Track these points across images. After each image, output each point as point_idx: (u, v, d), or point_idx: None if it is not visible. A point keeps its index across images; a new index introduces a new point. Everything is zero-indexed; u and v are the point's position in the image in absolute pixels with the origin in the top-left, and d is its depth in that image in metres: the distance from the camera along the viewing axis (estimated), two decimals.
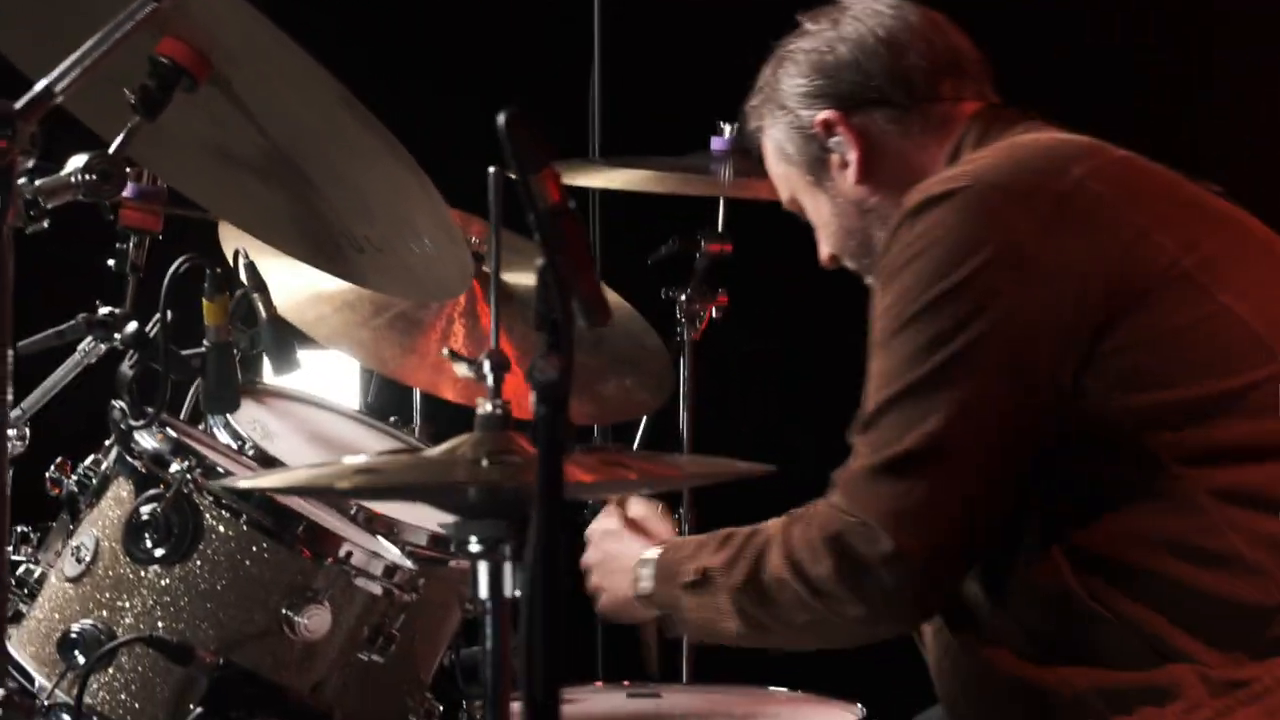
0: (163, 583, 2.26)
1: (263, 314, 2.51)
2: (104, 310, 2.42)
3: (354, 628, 2.32)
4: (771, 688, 2.89)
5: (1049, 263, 1.97)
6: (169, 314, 2.33)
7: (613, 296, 2.95)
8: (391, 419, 2.91)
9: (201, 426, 2.54)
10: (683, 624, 2.13)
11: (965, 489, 1.97)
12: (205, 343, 2.38)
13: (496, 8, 4.06)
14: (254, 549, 2.27)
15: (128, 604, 2.26)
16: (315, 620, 2.25)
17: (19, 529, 2.40)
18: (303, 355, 2.58)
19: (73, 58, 1.81)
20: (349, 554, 2.30)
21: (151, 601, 2.26)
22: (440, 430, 2.89)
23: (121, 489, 2.32)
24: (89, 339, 2.48)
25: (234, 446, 2.50)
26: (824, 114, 2.17)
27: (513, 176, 1.55)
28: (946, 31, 2.19)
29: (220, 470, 2.31)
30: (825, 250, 2.28)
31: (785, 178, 2.25)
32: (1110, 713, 1.95)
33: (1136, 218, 2.02)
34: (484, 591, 1.69)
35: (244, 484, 2.27)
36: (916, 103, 2.16)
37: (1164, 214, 2.04)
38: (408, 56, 4.07)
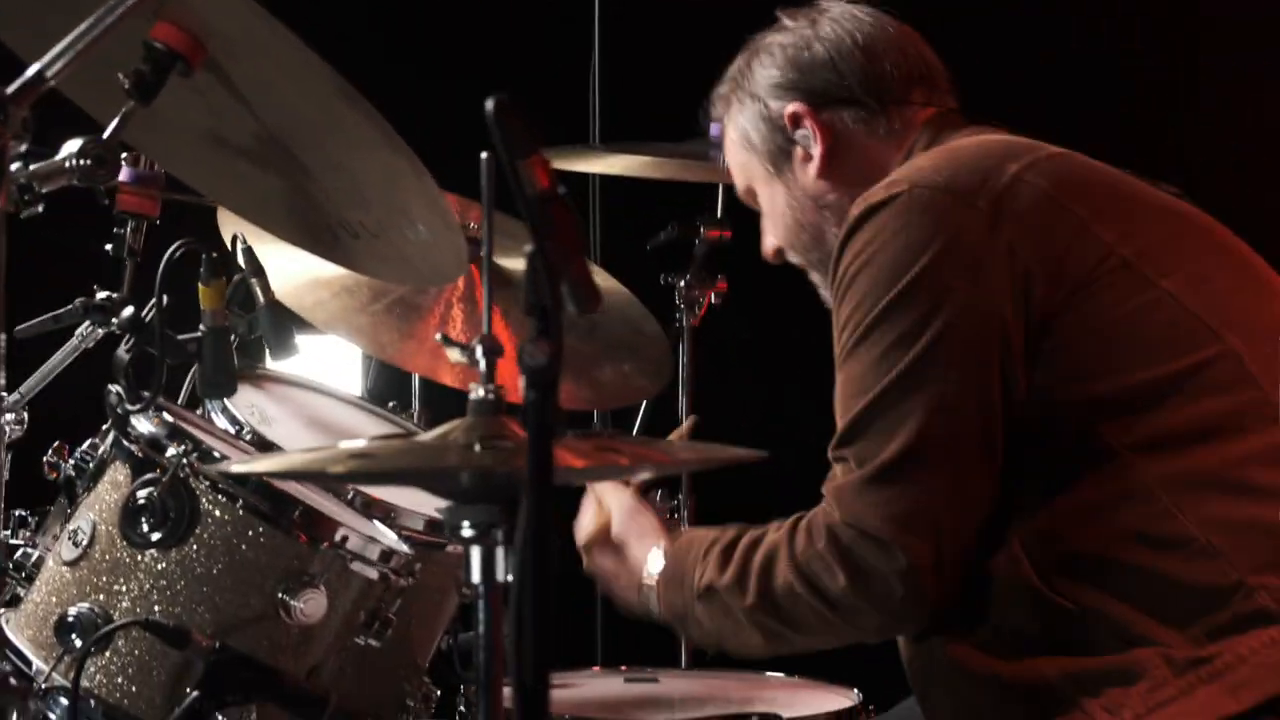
0: (159, 566, 2.27)
1: (261, 299, 2.51)
2: (101, 295, 2.43)
3: (350, 612, 2.32)
4: (768, 673, 2.90)
5: (991, 259, 2.01)
6: (165, 298, 2.33)
7: (611, 282, 2.96)
8: (390, 404, 2.91)
9: (199, 411, 2.55)
10: (701, 635, 2.15)
11: (957, 484, 1.99)
12: (201, 327, 2.38)
13: None
14: (250, 533, 2.27)
15: (124, 588, 2.27)
16: (311, 604, 2.26)
17: (16, 513, 2.41)
18: (301, 340, 2.58)
19: (66, 42, 1.81)
20: (345, 538, 2.30)
21: (148, 585, 2.27)
22: (438, 415, 2.89)
23: (118, 473, 2.33)
24: (86, 323, 2.49)
25: (231, 431, 2.51)
26: (794, 106, 2.21)
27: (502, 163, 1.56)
28: (919, 45, 2.25)
29: (217, 455, 2.31)
30: (771, 242, 2.32)
31: (744, 166, 2.29)
32: (1080, 696, 1.97)
33: (1075, 210, 2.05)
34: (477, 576, 1.69)
35: (238, 468, 2.27)
36: (884, 106, 2.20)
37: (1101, 206, 2.07)
38: (406, 42, 4.08)
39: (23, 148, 1.80)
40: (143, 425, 2.33)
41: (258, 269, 2.51)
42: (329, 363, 3.32)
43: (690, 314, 3.48)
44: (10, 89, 1.73)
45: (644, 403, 3.27)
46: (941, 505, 1.99)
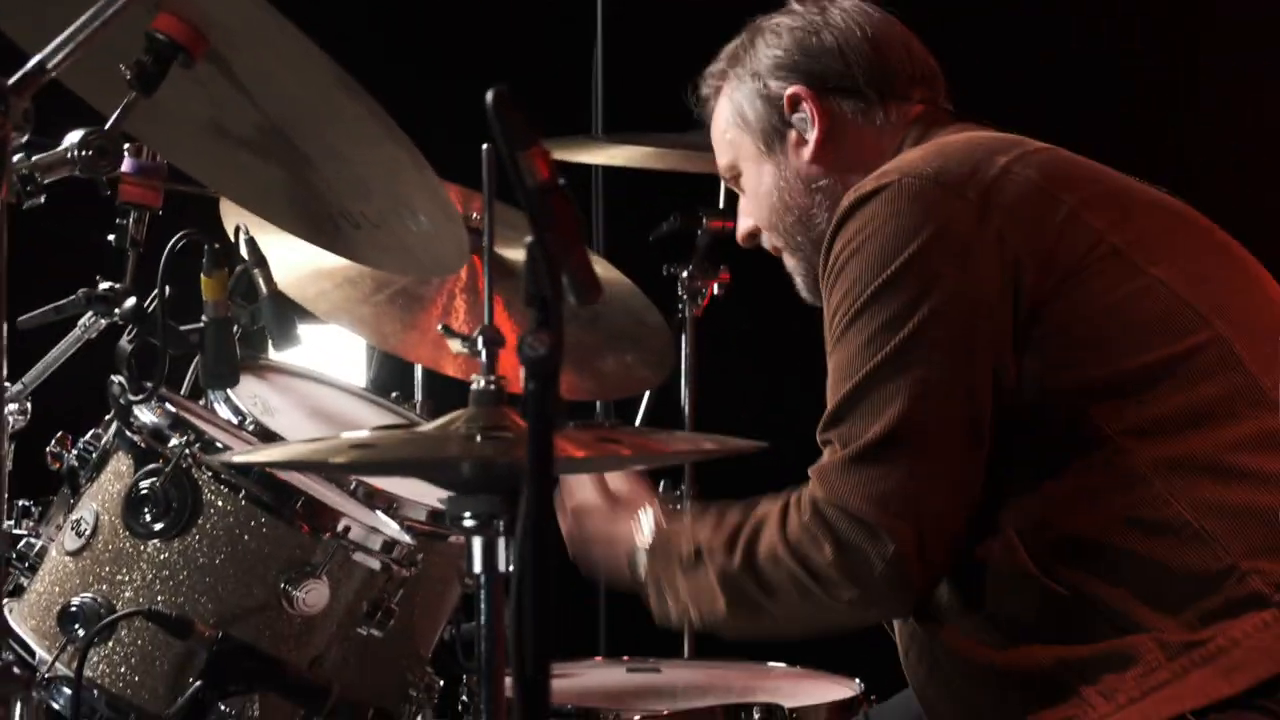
0: (162, 556, 2.27)
1: (263, 289, 2.52)
2: (104, 285, 2.43)
3: (352, 602, 2.33)
4: (770, 663, 2.90)
5: (981, 248, 2.02)
6: (167, 289, 2.34)
7: (614, 273, 2.96)
8: (393, 395, 2.92)
9: (202, 402, 2.55)
10: (675, 605, 2.15)
11: (940, 467, 2.00)
12: (204, 318, 2.39)
13: None
14: (252, 523, 2.28)
15: (127, 577, 2.28)
16: (313, 595, 2.26)
17: (20, 503, 2.42)
18: (305, 331, 2.58)
19: (67, 33, 1.82)
20: (347, 529, 2.31)
21: (151, 575, 2.27)
22: (440, 406, 2.90)
23: (121, 463, 2.33)
24: (89, 314, 2.49)
25: (234, 422, 2.51)
26: (795, 88, 2.22)
27: (502, 155, 1.56)
28: (921, 47, 2.27)
29: (219, 445, 2.32)
30: (747, 224, 2.34)
31: (733, 144, 2.29)
32: (1075, 682, 1.98)
33: (1064, 199, 2.06)
34: (478, 566, 1.70)
35: (240, 458, 2.28)
36: (883, 100, 2.22)
37: (1090, 196, 2.08)
38: (408, 34, 4.08)
39: (24, 139, 1.80)
40: (145, 416, 2.33)
41: (260, 260, 2.51)
42: (332, 353, 3.33)
43: (693, 305, 3.49)
44: (12, 80, 1.74)
45: (646, 393, 3.27)
46: (925, 489, 1.99)
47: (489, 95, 1.51)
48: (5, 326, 1.75)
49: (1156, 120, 3.79)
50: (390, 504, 2.41)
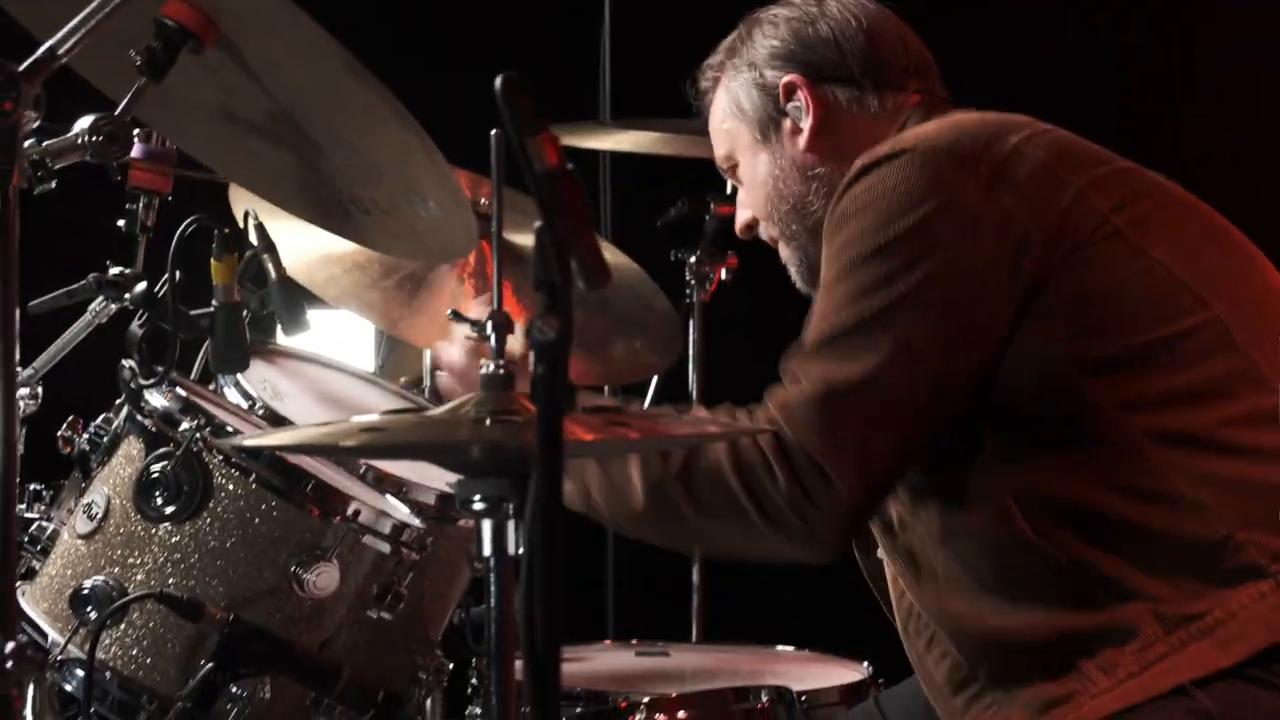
0: (173, 540, 2.29)
1: (272, 275, 2.52)
2: (114, 270, 2.44)
3: (362, 585, 2.34)
4: (779, 647, 2.92)
5: (988, 221, 2.04)
6: (177, 274, 2.35)
7: (622, 258, 2.96)
8: (402, 380, 2.93)
9: (212, 386, 2.56)
10: (574, 487, 2.10)
11: (896, 429, 2.02)
12: (214, 303, 2.40)
13: None
14: (263, 507, 2.29)
15: (139, 561, 2.29)
16: (323, 577, 2.28)
17: (32, 487, 2.43)
18: (314, 316, 2.59)
19: (78, 19, 1.82)
20: (357, 512, 2.32)
21: (162, 558, 2.28)
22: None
23: (132, 447, 2.35)
24: (99, 299, 2.50)
25: (244, 406, 2.52)
26: (790, 77, 2.25)
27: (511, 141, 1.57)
28: (917, 41, 2.29)
29: (230, 429, 2.33)
30: (745, 215, 2.36)
31: (730, 133, 2.31)
32: (1076, 657, 2.00)
33: (1072, 180, 2.08)
34: (488, 549, 1.71)
35: (251, 442, 2.29)
36: (879, 90, 2.24)
37: (1097, 178, 2.10)
38: (416, 19, 4.07)
39: (36, 124, 1.80)
40: (156, 400, 2.35)
41: (269, 245, 2.52)
42: (341, 338, 3.34)
43: (700, 290, 3.49)
44: (23, 66, 1.74)
45: (654, 378, 3.28)
46: (880, 447, 2.01)
47: (498, 81, 1.52)
48: (18, 312, 1.76)
49: (1153, 112, 3.80)
50: (399, 488, 2.42)
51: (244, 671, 2.24)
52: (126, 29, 1.94)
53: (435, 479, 2.42)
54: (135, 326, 2.37)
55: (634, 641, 2.97)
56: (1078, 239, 2.05)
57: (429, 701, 2.59)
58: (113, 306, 2.50)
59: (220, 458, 2.29)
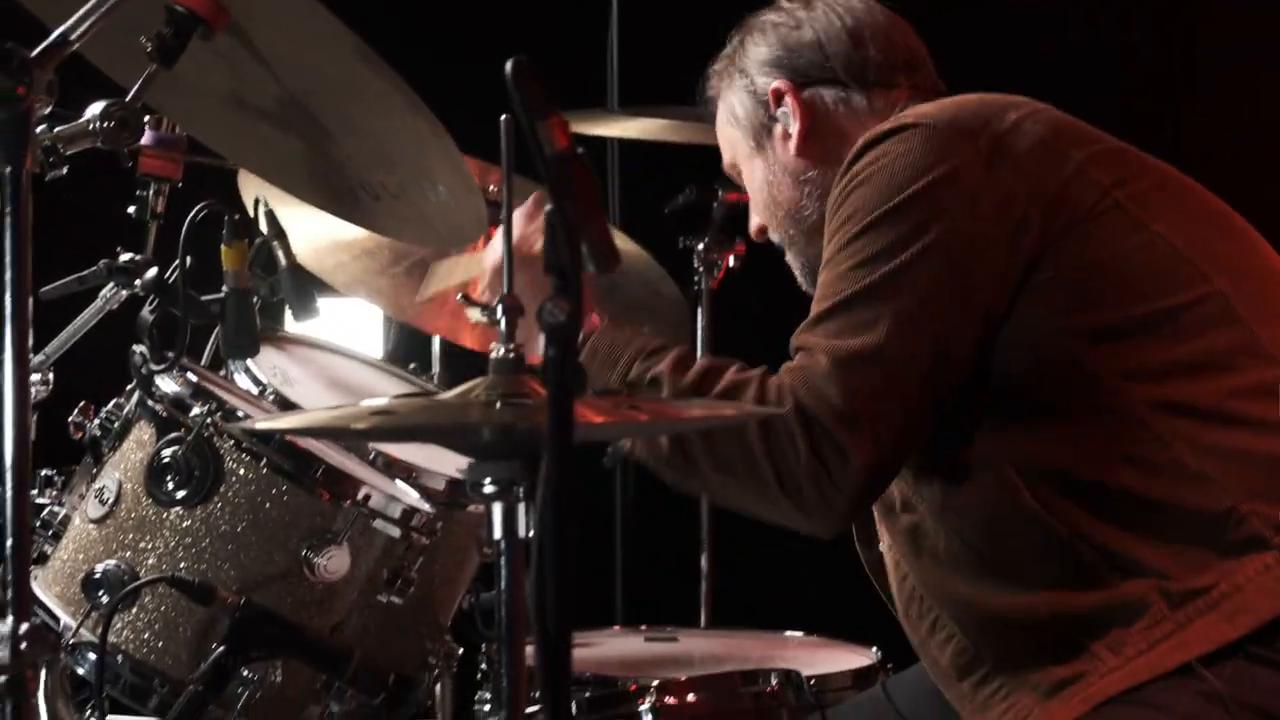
0: (184, 524, 2.30)
1: (282, 261, 2.53)
2: (125, 257, 2.45)
3: (373, 569, 2.35)
4: (788, 632, 2.92)
5: (989, 194, 2.05)
6: (188, 260, 2.36)
7: (630, 245, 2.97)
8: (411, 366, 2.93)
9: (223, 373, 2.57)
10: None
11: (904, 399, 2.03)
12: (224, 288, 2.41)
13: None
14: (274, 491, 2.30)
15: (150, 545, 2.30)
16: (334, 561, 2.29)
17: (43, 472, 2.44)
18: (324, 303, 2.60)
19: (89, 5, 1.83)
20: (367, 496, 2.33)
21: (173, 542, 2.29)
22: (457, 378, 2.91)
23: (143, 432, 2.36)
24: (110, 285, 2.51)
25: (254, 392, 2.53)
26: (778, 83, 2.28)
27: (521, 124, 1.57)
28: (908, 35, 2.31)
29: (240, 414, 2.34)
30: (756, 221, 2.38)
31: (730, 142, 2.35)
32: (1083, 638, 2.00)
33: (1072, 155, 2.10)
34: (498, 532, 1.71)
35: (262, 425, 2.30)
36: (866, 88, 2.26)
37: (1096, 154, 2.12)
38: (424, 8, 4.08)
39: (48, 110, 1.81)
40: (167, 385, 2.35)
41: (279, 232, 2.53)
42: (352, 326, 3.34)
43: (708, 277, 3.50)
44: (35, 51, 1.75)
45: None
46: (889, 416, 2.02)
47: (508, 65, 1.52)
48: (30, 299, 1.77)
49: (1154, 112, 3.81)
50: (409, 473, 2.43)
51: (255, 655, 2.25)
52: (137, 15, 1.94)
53: (445, 464, 2.43)
54: (146, 312, 2.37)
55: (643, 627, 2.98)
56: (1078, 212, 2.06)
57: (439, 686, 2.61)
58: (123, 293, 2.50)
59: (231, 442, 2.30)
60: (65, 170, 1.95)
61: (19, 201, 1.71)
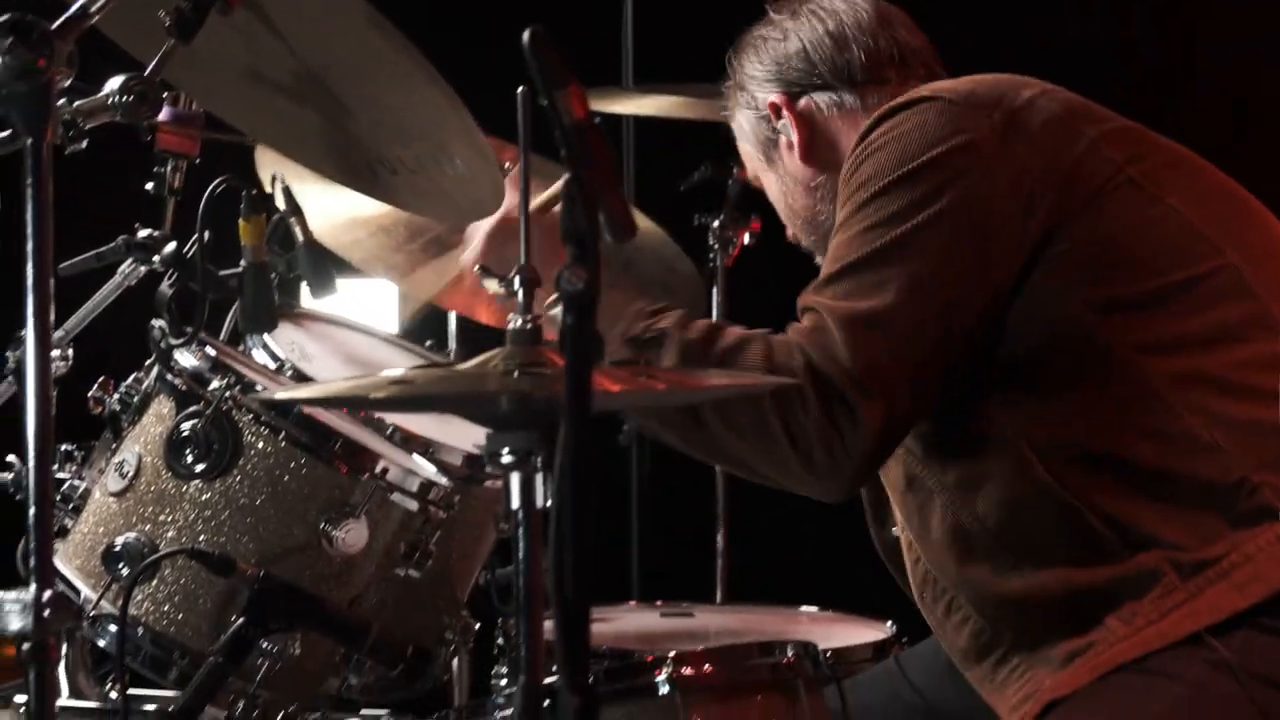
0: (204, 497, 2.31)
1: (299, 238, 2.54)
2: (143, 233, 2.46)
3: (390, 543, 2.36)
4: (803, 607, 2.93)
5: (1003, 166, 2.06)
6: (206, 234, 2.37)
7: (645, 222, 2.97)
8: (427, 342, 2.94)
9: (240, 348, 2.58)
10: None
11: (913, 367, 2.03)
12: (242, 263, 2.42)
13: None
14: (292, 464, 2.31)
15: (170, 518, 2.31)
16: (352, 534, 2.29)
17: (63, 447, 2.45)
18: (341, 281, 2.61)
19: None
20: (385, 469, 2.34)
21: (193, 515, 2.30)
22: (473, 353, 2.91)
23: (162, 406, 2.37)
24: (129, 261, 2.52)
25: (272, 366, 2.54)
26: (773, 97, 2.32)
27: (539, 94, 1.58)
28: (897, 28, 2.31)
29: (259, 389, 2.34)
30: (789, 229, 2.42)
31: (748, 156, 2.40)
32: (1096, 610, 2.01)
33: (1085, 131, 2.12)
34: (516, 503, 1.72)
35: (281, 395, 2.31)
36: (856, 87, 2.28)
37: (1109, 131, 2.14)
38: None
39: (67, 83, 1.82)
40: (186, 359, 2.36)
41: (296, 208, 2.54)
42: (368, 302, 3.35)
43: (724, 254, 3.51)
44: (55, 24, 1.76)
45: None
46: (902, 384, 2.02)
47: (525, 34, 1.53)
48: (52, 276, 1.78)
49: (1153, 108, 3.81)
50: (427, 447, 2.44)
51: (274, 627, 2.26)
52: None
53: (463, 440, 2.44)
54: (165, 287, 2.38)
55: (659, 603, 2.99)
56: (1091, 186, 2.07)
57: (455, 661, 2.62)
58: (142, 268, 2.51)
59: (250, 416, 2.31)
60: (84, 144, 1.96)
61: (40, 172, 1.71)
